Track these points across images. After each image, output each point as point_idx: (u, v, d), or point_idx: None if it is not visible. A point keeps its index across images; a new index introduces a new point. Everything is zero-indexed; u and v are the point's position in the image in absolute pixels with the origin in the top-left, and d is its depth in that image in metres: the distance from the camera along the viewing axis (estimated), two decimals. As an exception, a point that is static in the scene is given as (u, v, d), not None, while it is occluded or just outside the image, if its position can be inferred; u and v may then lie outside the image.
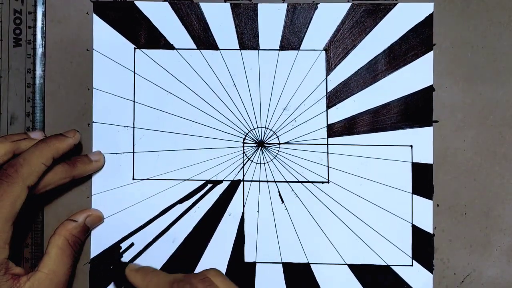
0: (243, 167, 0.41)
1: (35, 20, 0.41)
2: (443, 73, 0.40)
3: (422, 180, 0.40)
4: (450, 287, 0.40)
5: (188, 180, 0.41)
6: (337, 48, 0.41)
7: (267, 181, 0.41)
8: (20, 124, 0.41)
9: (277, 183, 0.41)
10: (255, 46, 0.41)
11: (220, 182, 0.41)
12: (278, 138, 0.41)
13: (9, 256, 0.35)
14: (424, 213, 0.40)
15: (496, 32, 0.40)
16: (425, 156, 0.40)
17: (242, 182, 0.41)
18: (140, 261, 0.41)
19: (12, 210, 0.34)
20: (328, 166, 0.41)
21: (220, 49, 0.41)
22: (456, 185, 0.40)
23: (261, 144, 0.41)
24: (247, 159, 0.41)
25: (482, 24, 0.40)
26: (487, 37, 0.40)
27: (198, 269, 0.41)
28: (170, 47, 0.41)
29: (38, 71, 0.41)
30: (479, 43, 0.40)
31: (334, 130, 0.41)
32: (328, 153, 0.41)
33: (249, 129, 0.41)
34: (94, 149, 0.41)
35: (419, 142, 0.40)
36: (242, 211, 0.41)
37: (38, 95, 0.41)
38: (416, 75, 0.40)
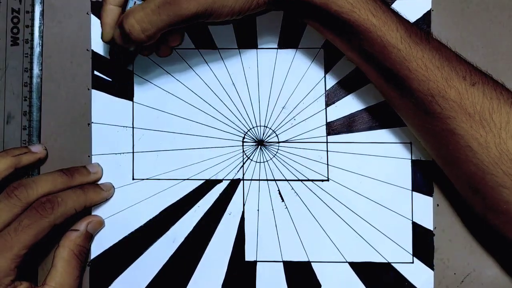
0: (242, 166, 0.41)
1: (32, 19, 0.41)
2: (443, 72, 0.40)
3: (422, 177, 0.40)
4: (450, 287, 0.40)
5: (187, 179, 0.41)
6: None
7: (267, 180, 0.41)
8: (16, 123, 0.41)
9: (277, 181, 0.41)
10: (254, 45, 0.41)
11: (219, 181, 0.41)
12: (278, 137, 0.41)
13: (16, 277, 0.36)
14: (424, 210, 0.40)
15: (496, 32, 0.40)
16: (425, 153, 0.40)
17: (242, 181, 0.41)
18: (140, 261, 0.41)
19: (33, 240, 0.36)
20: (327, 164, 0.41)
21: (218, 48, 0.41)
22: (455, 183, 0.40)
23: (260, 143, 0.41)
24: (246, 158, 0.41)
25: (482, 24, 0.40)
26: (487, 37, 0.40)
27: (198, 269, 0.41)
28: (169, 46, 0.41)
29: (35, 70, 0.41)
30: (479, 43, 0.40)
31: (333, 128, 0.41)
32: (327, 151, 0.41)
33: (248, 128, 0.41)
34: (93, 150, 0.41)
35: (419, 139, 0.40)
36: (242, 210, 0.41)
37: (35, 94, 0.41)
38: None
